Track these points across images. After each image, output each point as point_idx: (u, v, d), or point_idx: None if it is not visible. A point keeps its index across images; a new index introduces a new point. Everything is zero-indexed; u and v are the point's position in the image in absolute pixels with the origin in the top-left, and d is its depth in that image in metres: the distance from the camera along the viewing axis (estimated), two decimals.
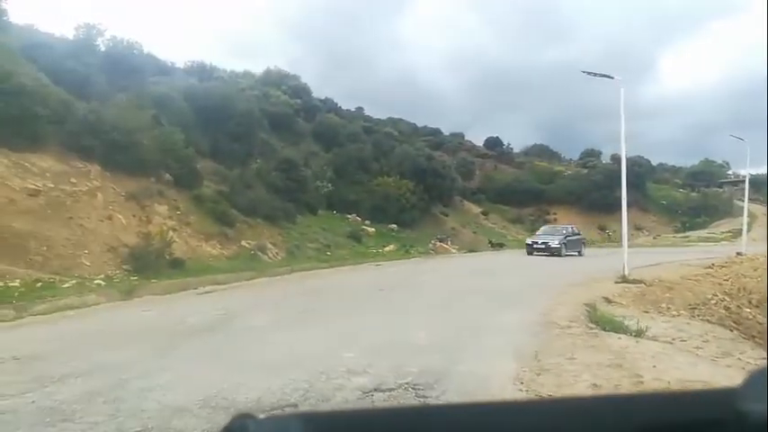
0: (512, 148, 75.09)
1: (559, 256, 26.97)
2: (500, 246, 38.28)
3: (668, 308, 11.20)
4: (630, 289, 13.24)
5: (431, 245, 33.46)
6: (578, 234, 31.46)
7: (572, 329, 8.19)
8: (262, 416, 0.60)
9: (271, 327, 8.57)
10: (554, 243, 28.26)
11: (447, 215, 44.12)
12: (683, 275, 16.20)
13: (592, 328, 8.31)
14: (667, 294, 12.60)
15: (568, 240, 29.25)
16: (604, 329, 8.22)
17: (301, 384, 5.30)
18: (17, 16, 28.76)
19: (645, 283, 14.20)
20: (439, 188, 42.45)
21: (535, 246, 28.72)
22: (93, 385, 5.31)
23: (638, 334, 7.97)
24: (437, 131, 71.63)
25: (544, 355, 6.54)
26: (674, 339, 7.94)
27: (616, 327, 8.37)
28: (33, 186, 15.72)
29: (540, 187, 60.67)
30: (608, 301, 11.49)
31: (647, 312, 10.48)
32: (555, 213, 55.30)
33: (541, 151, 79.28)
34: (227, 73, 49.77)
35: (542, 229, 33.15)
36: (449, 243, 35.32)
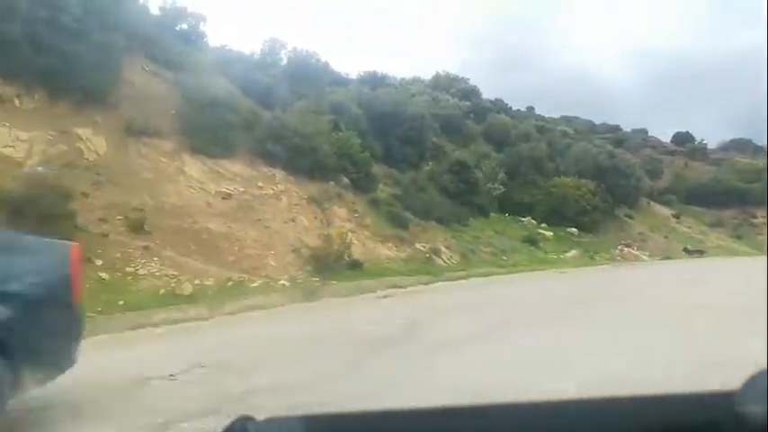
0: (705, 144, 66.89)
1: None
2: (700, 253, 33.75)
3: None
4: None
5: (617, 250, 30.46)
6: None
7: None
8: (262, 417, 0.59)
9: (463, 342, 7.61)
10: None
11: (632, 218, 40.13)
12: None
13: None
14: None
15: None
16: None
17: None
18: (212, 38, 31.65)
19: None
20: (623, 188, 38.75)
21: None
22: (278, 405, 4.73)
23: None
24: (616, 128, 66.08)
25: None
26: None
27: None
28: (226, 190, 16.60)
29: (743, 186, 52.95)
30: None
31: None
32: (763, 216, 47.81)
33: (742, 146, 69.57)
34: (398, 80, 50.49)
35: None
36: (636, 249, 31.90)
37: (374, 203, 21.83)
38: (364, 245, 18.50)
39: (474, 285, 15.70)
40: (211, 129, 17.67)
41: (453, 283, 16.01)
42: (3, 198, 11.33)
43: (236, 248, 14.59)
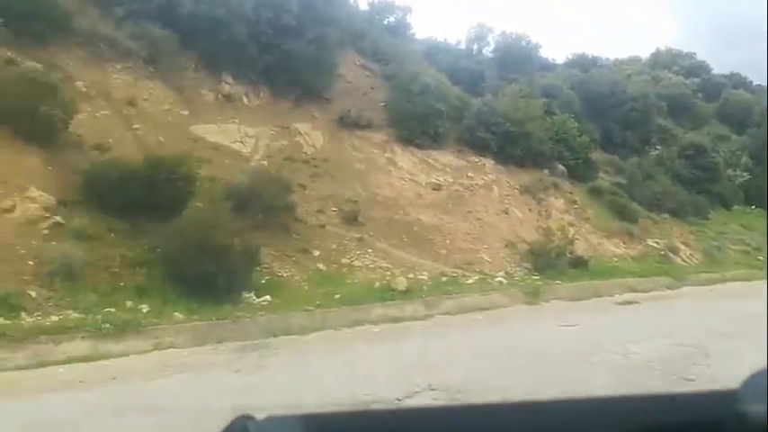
0: None
1: None
2: None
3: None
4: None
5: None
6: None
7: None
8: (262, 416, 0.59)
9: None
10: None
11: None
12: None
13: None
14: None
15: None
16: None
17: None
18: (418, 29, 31.76)
19: None
20: None
21: None
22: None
23: None
24: None
25: None
26: None
27: None
28: (436, 181, 15.88)
29: None
30: None
31: None
32: None
33: None
34: (611, 61, 46.09)
35: None
36: None
37: (595, 193, 19.55)
38: (587, 240, 16.47)
39: (736, 292, 12.83)
40: (420, 119, 17.13)
41: (706, 287, 13.30)
42: (231, 190, 11.81)
43: (448, 242, 13.73)
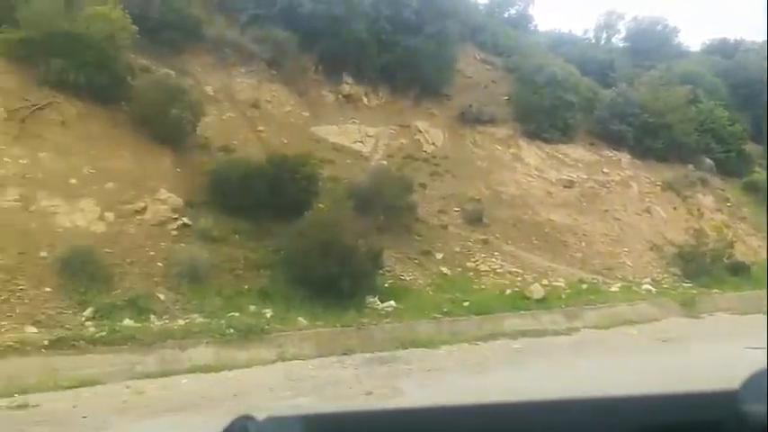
0: None
1: None
2: None
3: None
4: None
5: None
6: None
7: None
8: (262, 417, 0.59)
9: None
10: None
11: None
12: None
13: None
14: None
15: None
16: None
17: None
18: (541, 22, 30.17)
19: None
20: None
21: None
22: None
23: None
24: None
25: None
26: None
27: None
28: (567, 177, 14.65)
29: None
30: None
31: None
32: None
33: None
34: (758, 44, 41.25)
35: None
36: None
37: (751, 189, 17.26)
38: (745, 242, 14.46)
39: None
40: (547, 112, 15.95)
41: None
42: (352, 190, 11.48)
43: (584, 244, 12.52)
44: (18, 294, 6.71)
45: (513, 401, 0.67)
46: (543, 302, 9.05)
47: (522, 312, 8.46)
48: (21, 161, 8.50)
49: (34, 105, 9.09)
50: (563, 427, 0.64)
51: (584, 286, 10.29)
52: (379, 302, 8.40)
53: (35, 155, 8.70)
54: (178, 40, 13.30)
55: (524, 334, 7.30)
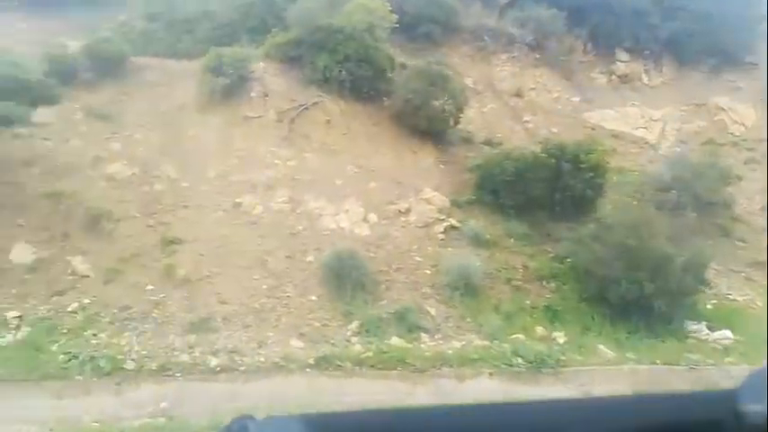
0: None
1: None
2: None
3: None
4: None
5: None
6: None
7: None
8: (261, 417, 0.60)
9: None
10: None
11: None
12: None
13: None
14: None
15: None
16: None
17: None
18: None
19: None
20: None
21: None
22: None
23: None
24: None
25: None
26: None
27: None
28: None
29: None
30: None
31: None
32: None
33: None
34: None
35: None
36: None
37: None
38: None
39: None
40: None
41: None
42: (645, 184, 9.32)
43: None
44: (285, 302, 6.25)
45: (513, 402, 0.71)
46: None
47: None
48: (289, 163, 8.33)
49: (301, 105, 8.95)
50: (563, 427, 0.62)
51: None
52: (706, 330, 6.22)
53: (302, 155, 8.47)
54: (435, 32, 12.66)
55: None
